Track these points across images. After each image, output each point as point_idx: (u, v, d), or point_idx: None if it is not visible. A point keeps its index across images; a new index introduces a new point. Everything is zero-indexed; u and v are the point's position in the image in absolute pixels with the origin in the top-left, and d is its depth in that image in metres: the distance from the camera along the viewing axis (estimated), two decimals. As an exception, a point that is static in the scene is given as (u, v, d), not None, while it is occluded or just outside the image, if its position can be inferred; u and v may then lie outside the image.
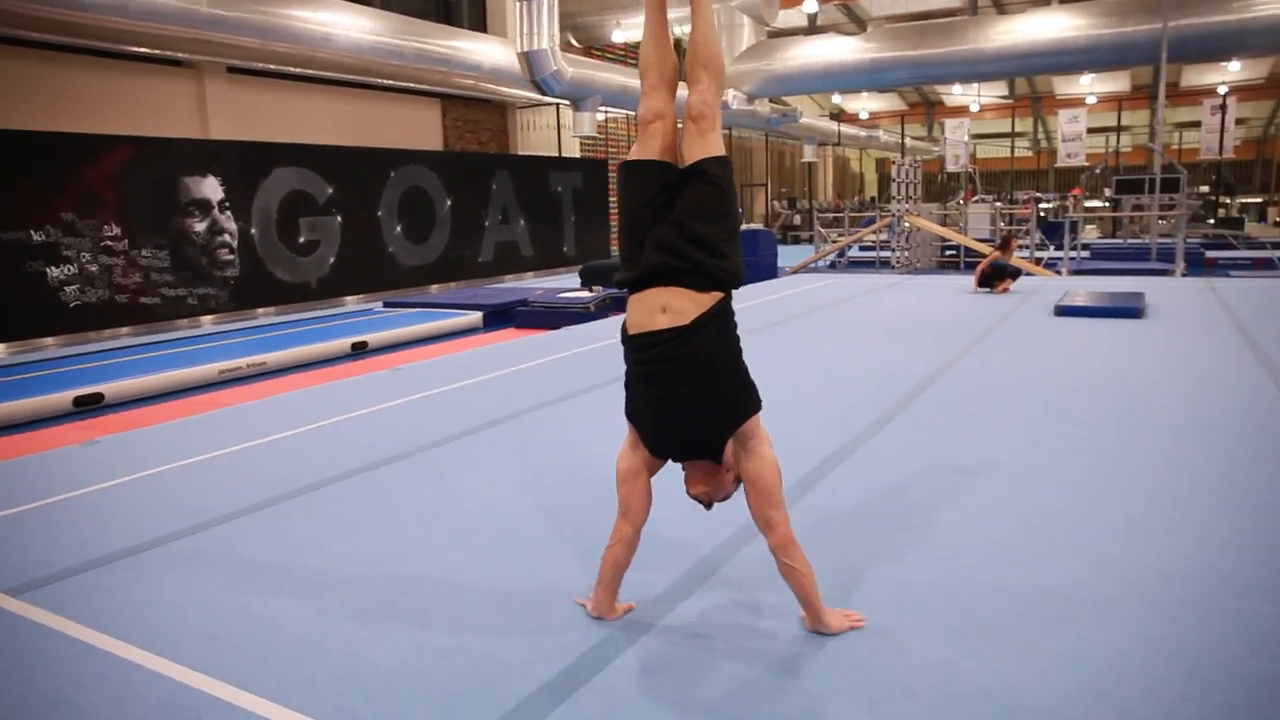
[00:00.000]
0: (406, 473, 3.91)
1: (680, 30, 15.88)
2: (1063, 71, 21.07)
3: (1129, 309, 7.69)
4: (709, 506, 2.40)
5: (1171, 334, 6.94)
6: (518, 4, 13.31)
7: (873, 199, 31.55)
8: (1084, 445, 4.00)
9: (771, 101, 22.54)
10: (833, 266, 15.55)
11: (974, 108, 28.67)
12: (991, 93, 29.92)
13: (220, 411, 5.38)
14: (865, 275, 13.58)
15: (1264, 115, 31.66)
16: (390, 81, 13.94)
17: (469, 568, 2.86)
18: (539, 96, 15.34)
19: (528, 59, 13.63)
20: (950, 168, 24.74)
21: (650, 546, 3.00)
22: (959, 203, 19.98)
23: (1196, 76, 28.69)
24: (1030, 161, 32.75)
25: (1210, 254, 15.11)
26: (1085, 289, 9.52)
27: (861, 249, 18.40)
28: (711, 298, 2.23)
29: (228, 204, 11.09)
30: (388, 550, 3.03)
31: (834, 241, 15.63)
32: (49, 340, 9.25)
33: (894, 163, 14.86)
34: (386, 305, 11.71)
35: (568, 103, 15.92)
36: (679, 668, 2.20)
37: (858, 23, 25.62)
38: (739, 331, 2.33)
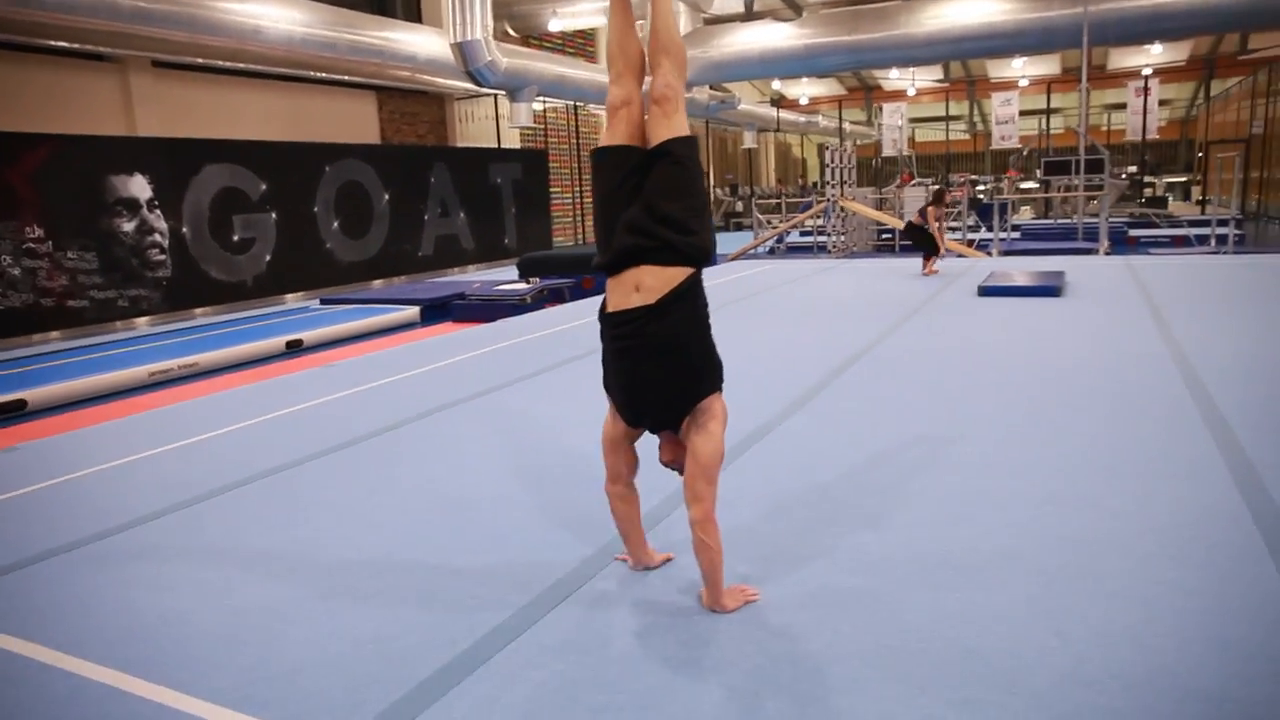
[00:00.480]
0: (328, 468, 3.95)
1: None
2: (992, 55, 21.51)
3: (1048, 288, 7.96)
4: (681, 473, 2.45)
5: (1086, 311, 7.21)
6: (449, -6, 13.23)
7: (813, 184, 31.92)
8: (992, 417, 4.18)
9: (711, 89, 22.67)
10: (772, 252, 15.76)
11: (911, 92, 29.11)
12: (928, 76, 30.41)
13: (147, 414, 5.35)
14: (803, 260, 13.80)
15: (1186, 96, 32.61)
16: (324, 74, 13.78)
17: (384, 556, 2.92)
18: (477, 88, 15.27)
19: (461, 50, 13.57)
20: (888, 152, 25.13)
21: (575, 518, 3.10)
22: (896, 186, 20.35)
23: (1122, 59, 29.46)
24: (968, 144, 33.37)
25: (1133, 233, 15.61)
26: (1010, 269, 9.81)
27: (801, 234, 18.64)
28: (680, 273, 2.31)
29: (157, 203, 10.90)
30: (305, 542, 3.08)
31: (772, 227, 15.83)
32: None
33: (828, 148, 15.08)
34: (323, 302, 11.63)
35: (504, 93, 15.88)
36: (583, 646, 2.29)
37: (794, 8, 25.80)
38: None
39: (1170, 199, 28.01)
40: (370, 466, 3.95)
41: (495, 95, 17.52)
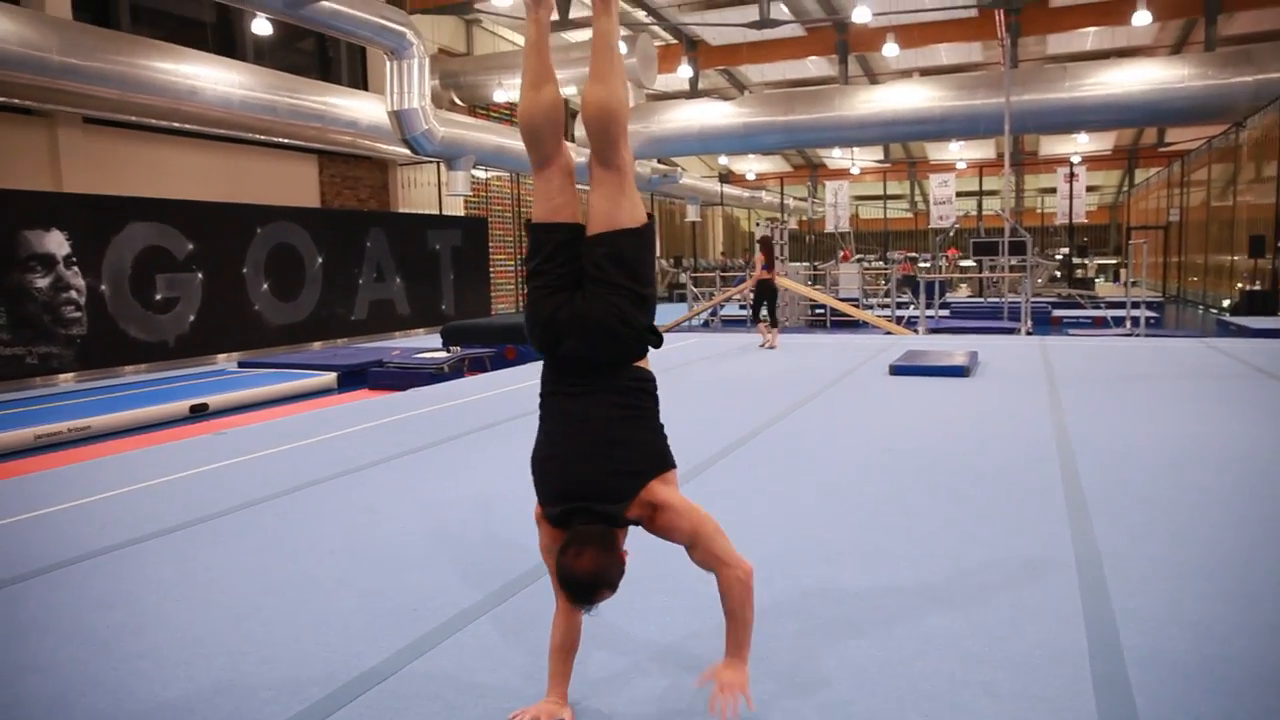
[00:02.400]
0: (167, 547, 3.82)
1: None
2: (921, 139, 22.31)
3: (956, 368, 8.11)
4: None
5: (988, 392, 7.33)
6: (388, 63, 13.40)
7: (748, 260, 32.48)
8: (855, 500, 4.19)
9: (660, 162, 23.13)
10: (706, 325, 15.90)
11: (854, 171, 29.95)
12: (869, 157, 31.35)
13: (6, 481, 5.15)
14: (734, 334, 13.93)
15: (1115, 183, 33.98)
16: (263, 137, 13.80)
17: (227, 630, 2.80)
18: (415, 155, 15.39)
19: (398, 117, 13.70)
20: (830, 228, 25.70)
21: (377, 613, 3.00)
22: (836, 262, 20.77)
23: (1053, 146, 30.69)
24: (909, 222, 34.31)
25: (1057, 313, 16.04)
26: (928, 348, 9.99)
27: (741, 307, 18.87)
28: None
29: (75, 259, 10.72)
30: (123, 627, 2.94)
31: (705, 301, 16.00)
32: None
33: (758, 225, 15.37)
34: (242, 365, 11.42)
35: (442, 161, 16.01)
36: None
37: (739, 87, 26.58)
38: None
39: (1101, 280, 28.95)
40: (204, 548, 3.82)
41: (438, 162, 17.67)
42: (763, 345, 11.06)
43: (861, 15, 15.66)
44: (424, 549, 3.67)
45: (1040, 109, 16.34)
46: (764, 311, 11.33)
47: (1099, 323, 14.78)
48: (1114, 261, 30.59)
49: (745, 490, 4.46)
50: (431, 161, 17.54)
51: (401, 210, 18.01)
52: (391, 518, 4.13)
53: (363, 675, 2.55)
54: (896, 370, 8.38)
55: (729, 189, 29.40)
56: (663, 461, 2.25)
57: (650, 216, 2.29)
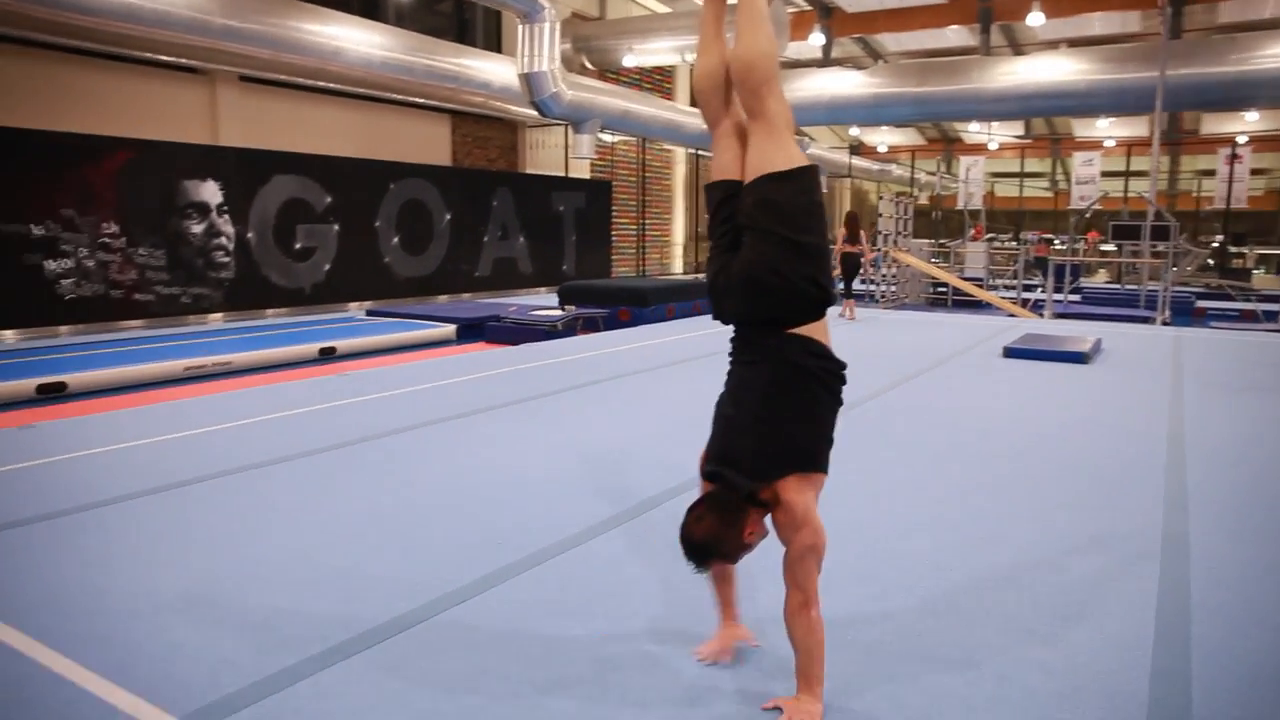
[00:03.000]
0: (287, 474, 4.17)
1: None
2: (1061, 114, 21.22)
3: (1074, 354, 7.82)
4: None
5: (1105, 382, 7.05)
6: (520, 26, 13.69)
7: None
8: (940, 472, 4.18)
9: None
10: (823, 297, 15.71)
11: (992, 145, 28.73)
12: (1009, 132, 29.98)
13: (157, 406, 5.69)
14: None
15: (1286, 166, 31.41)
16: (400, 96, 14.38)
17: (311, 558, 3.10)
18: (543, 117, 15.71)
19: (528, 80, 13.99)
20: (960, 205, 24.83)
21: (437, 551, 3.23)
22: (964, 240, 20.09)
23: (1216, 125, 28.57)
24: (1049, 202, 32.69)
25: (1202, 304, 15.11)
26: (1050, 332, 9.65)
27: (861, 282, 18.53)
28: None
29: (225, 208, 11.51)
30: (232, 538, 3.28)
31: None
32: (49, 329, 9.68)
33: (881, 198, 15.04)
34: (370, 314, 12.04)
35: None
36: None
37: (875, 56, 25.82)
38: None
39: (1261, 271, 26.93)
40: (324, 476, 4.15)
41: (565, 125, 17.97)
42: (841, 315, 11.43)
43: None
44: (510, 491, 3.90)
45: (1199, 83, 15.24)
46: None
47: (1248, 316, 13.85)
48: (1278, 251, 28.39)
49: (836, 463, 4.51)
50: (559, 124, 17.84)
51: (528, 171, 18.43)
52: (484, 460, 4.39)
53: (450, 594, 2.79)
54: (1010, 353, 8.14)
55: (858, 161, 28.71)
56: (808, 461, 2.16)
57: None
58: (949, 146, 32.93)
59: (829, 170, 24.40)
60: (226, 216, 11.53)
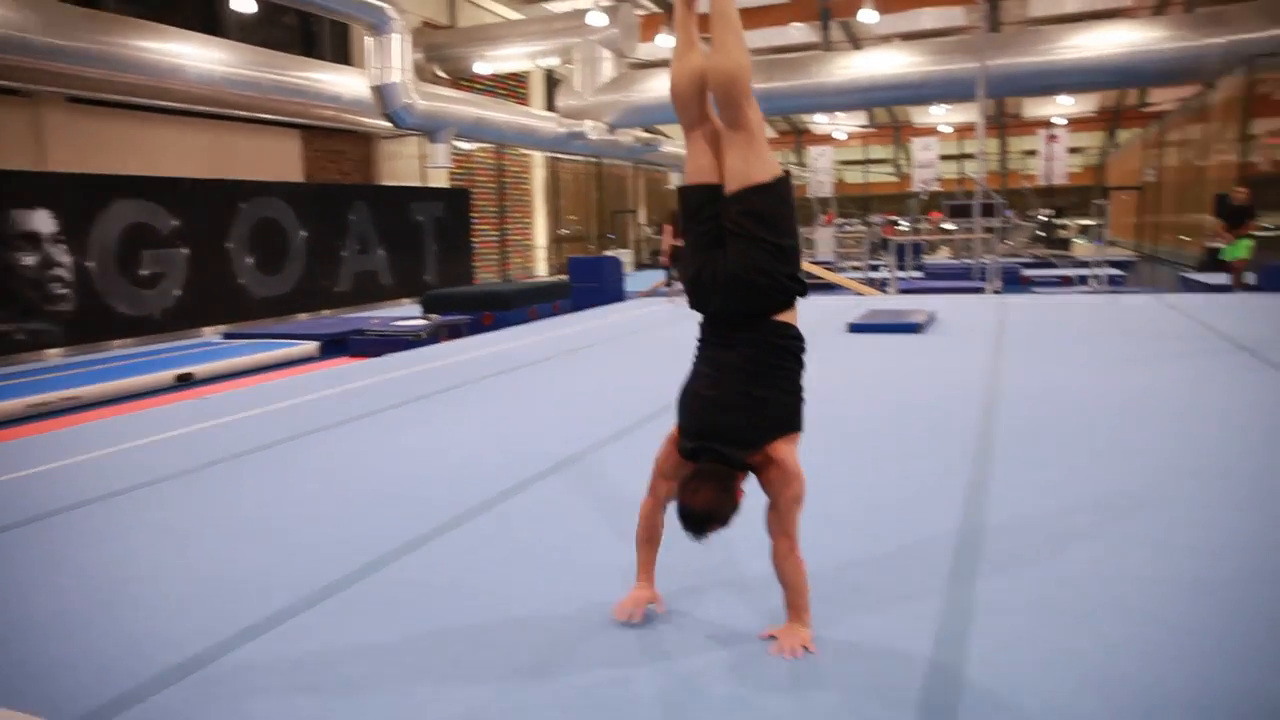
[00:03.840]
0: (139, 501, 4.17)
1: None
2: (899, 104, 22.48)
3: (910, 325, 8.45)
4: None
5: (936, 348, 7.66)
6: (368, 39, 13.59)
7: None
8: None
9: (647, 131, 23.28)
10: (685, 290, 16.19)
11: (839, 135, 30.10)
12: (854, 122, 31.44)
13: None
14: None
15: (1099, 144, 34.11)
16: (247, 113, 14.01)
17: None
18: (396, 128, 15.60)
19: (379, 92, 13.92)
20: (813, 193, 25.90)
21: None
22: (815, 226, 21.04)
23: (1037, 109, 30.78)
24: (896, 186, 34.46)
25: (1028, 272, 16.35)
26: (892, 307, 10.33)
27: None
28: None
29: (61, 237, 10.98)
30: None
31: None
32: None
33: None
34: (227, 338, 11.73)
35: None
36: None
37: (723, 56, 26.64)
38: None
39: (1083, 240, 29.17)
40: (181, 500, 4.18)
41: (420, 135, 17.87)
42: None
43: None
44: (375, 497, 4.03)
45: (1015, 73, 16.52)
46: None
47: (1066, 281, 15.10)
48: (1094, 222, 30.83)
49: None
50: (414, 134, 17.73)
51: (384, 183, 18.22)
52: (351, 469, 4.49)
53: (319, 589, 2.92)
54: (854, 328, 8.72)
55: (713, 157, 29.47)
56: (793, 422, 2.43)
57: (786, 172, 2.49)
58: (799, 138, 34.27)
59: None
60: (63, 246, 11.01)
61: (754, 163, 2.39)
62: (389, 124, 15.19)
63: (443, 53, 19.26)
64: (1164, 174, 20.75)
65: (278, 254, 14.04)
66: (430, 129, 15.49)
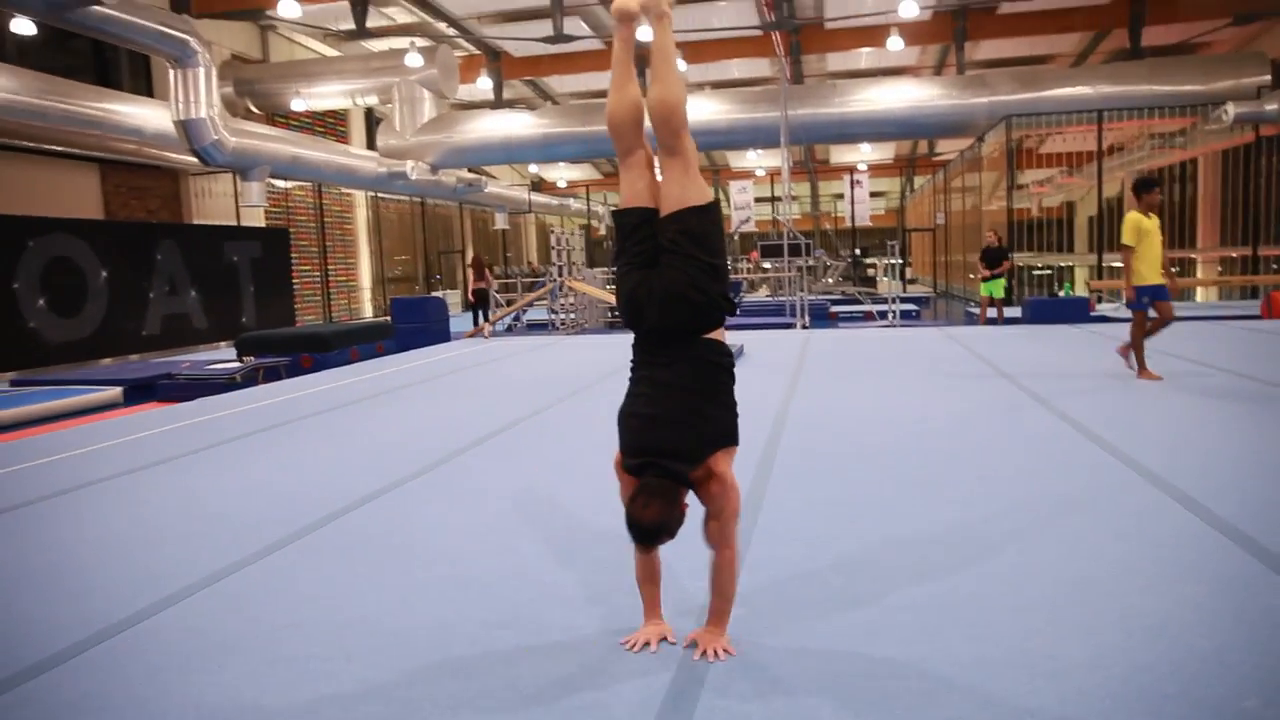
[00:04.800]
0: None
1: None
2: (709, 149, 23.73)
3: (717, 358, 9.00)
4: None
5: (740, 377, 8.21)
6: (172, 71, 13.12)
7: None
8: (580, 472, 4.86)
9: (471, 170, 23.41)
10: (509, 329, 16.41)
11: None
12: (673, 165, 32.68)
13: None
14: (534, 337, 14.53)
15: (898, 189, 37.03)
16: (32, 144, 13.17)
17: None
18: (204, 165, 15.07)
19: (185, 127, 13.43)
20: (638, 233, 26.73)
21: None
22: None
23: (842, 155, 33.10)
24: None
25: (836, 308, 17.58)
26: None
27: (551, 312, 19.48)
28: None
29: None
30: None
31: (505, 307, 16.54)
32: None
33: (551, 231, 16.07)
34: (14, 384, 10.95)
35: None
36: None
37: (547, 98, 27.21)
38: None
39: (888, 279, 31.51)
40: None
41: (233, 172, 17.31)
42: (476, 334, 14.01)
43: (644, 34, 16.56)
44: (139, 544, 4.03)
45: (814, 122, 17.86)
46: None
47: (869, 317, 16.36)
48: (897, 261, 33.35)
49: (459, 480, 5.04)
50: (227, 171, 17.15)
51: (196, 221, 17.48)
52: (145, 517, 4.43)
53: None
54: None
55: (538, 197, 29.97)
56: (730, 436, 2.57)
57: (716, 200, 2.66)
58: (623, 180, 35.31)
59: (510, 207, 25.29)
60: None
61: (690, 187, 2.57)
62: (197, 160, 14.66)
63: (255, 87, 18.78)
64: (950, 217, 22.81)
65: (75, 295, 13.21)
66: (242, 167, 15.06)
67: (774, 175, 31.11)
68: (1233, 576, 3.00)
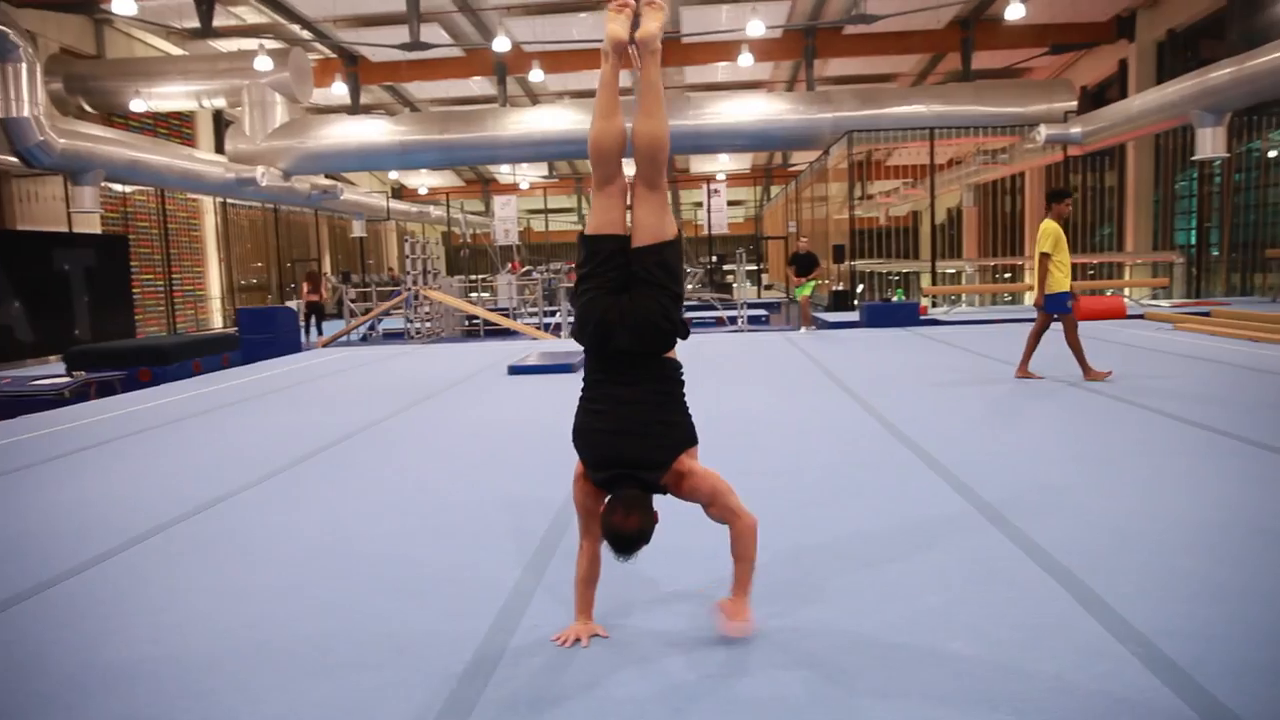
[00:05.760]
0: None
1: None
2: (567, 158, 24.03)
3: (564, 366, 9.25)
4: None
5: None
6: (-10, 69, 12.37)
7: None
8: (413, 472, 4.99)
9: (329, 176, 22.85)
10: (365, 339, 16.18)
11: (524, 185, 31.33)
12: (537, 173, 32.87)
13: None
14: (388, 347, 14.40)
15: (755, 198, 38.28)
16: None
17: None
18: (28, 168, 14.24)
19: (5, 127, 12.68)
20: (501, 241, 26.72)
21: None
22: (502, 274, 21.74)
23: (702, 165, 34.01)
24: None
25: (691, 314, 18.11)
26: (554, 350, 11.14)
27: (407, 321, 19.27)
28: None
29: None
30: None
31: (361, 315, 16.32)
32: None
33: (407, 239, 15.98)
34: None
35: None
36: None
37: (408, 104, 26.88)
38: None
39: (748, 285, 32.54)
40: None
41: (64, 175, 16.38)
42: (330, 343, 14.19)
43: (500, 45, 16.76)
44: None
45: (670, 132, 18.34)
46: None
47: (720, 322, 16.95)
48: (756, 268, 34.50)
49: (319, 480, 5.10)
50: (55, 174, 16.23)
51: (20, 227, 16.43)
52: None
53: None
54: (514, 370, 9.37)
55: (397, 204, 29.52)
56: (690, 438, 2.73)
57: (681, 233, 2.79)
58: (486, 187, 35.18)
59: (368, 214, 24.85)
60: None
61: (664, 220, 2.73)
62: (19, 162, 13.84)
63: (88, 85, 17.84)
64: (802, 226, 23.81)
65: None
66: (73, 169, 14.31)
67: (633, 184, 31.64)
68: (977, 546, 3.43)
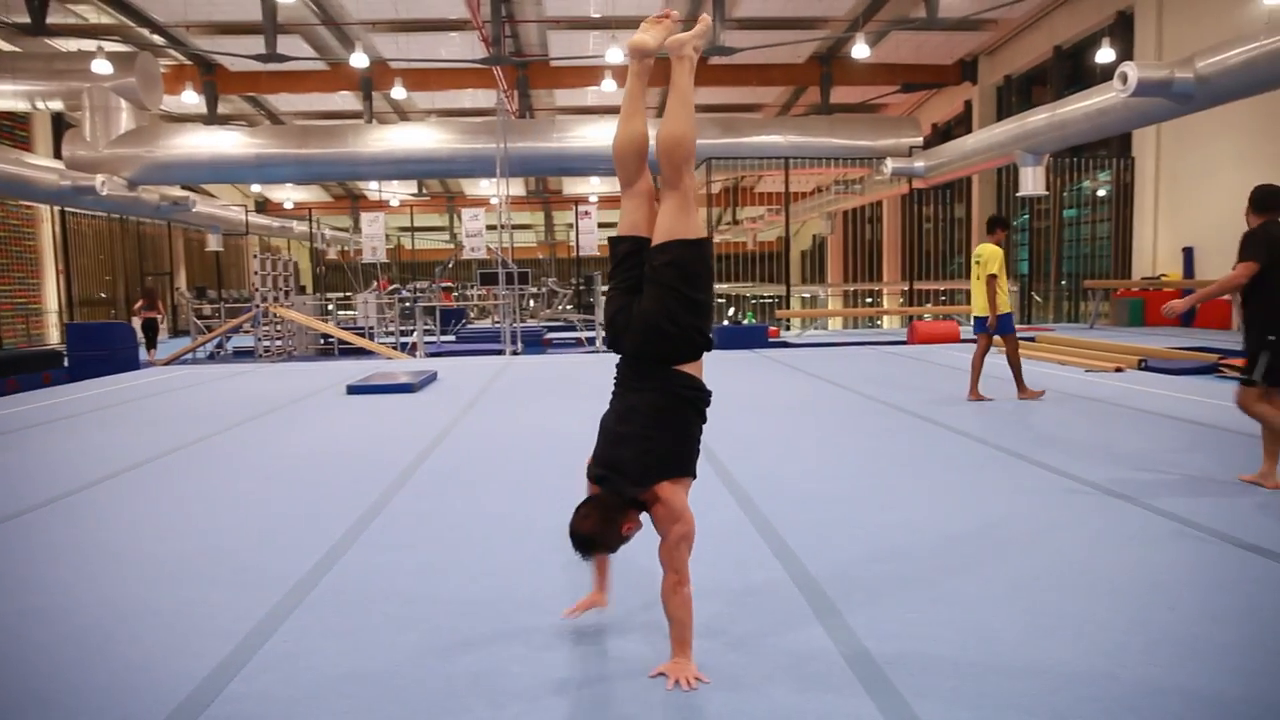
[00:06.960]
0: None
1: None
2: (431, 176, 23.91)
3: (403, 386, 9.17)
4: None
5: (421, 405, 8.42)
6: None
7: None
8: (249, 502, 4.89)
9: (185, 188, 21.91)
10: (212, 357, 15.58)
11: (393, 202, 30.79)
12: (407, 190, 32.39)
13: None
14: (234, 365, 13.92)
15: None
16: None
17: None
18: None
19: None
20: (368, 259, 26.19)
21: None
22: (369, 292, 21.31)
23: (575, 186, 34.25)
24: (450, 253, 35.98)
25: (550, 335, 18.20)
26: (397, 370, 11.03)
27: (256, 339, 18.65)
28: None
29: None
30: None
31: (208, 332, 15.73)
32: None
33: (255, 255, 15.55)
34: None
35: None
36: None
37: (271, 116, 26.11)
38: None
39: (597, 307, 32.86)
40: None
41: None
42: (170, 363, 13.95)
43: (359, 60, 16.55)
44: None
45: (533, 155, 18.52)
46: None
47: (580, 343, 17.08)
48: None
49: (135, 496, 4.93)
50: None
51: None
52: None
53: None
54: (352, 390, 9.23)
55: (260, 218, 28.60)
56: (682, 467, 2.65)
57: (709, 238, 2.70)
58: (355, 203, 34.43)
59: (226, 228, 23.98)
60: None
61: (683, 220, 2.64)
62: None
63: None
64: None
65: None
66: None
67: (515, 203, 31.59)
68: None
